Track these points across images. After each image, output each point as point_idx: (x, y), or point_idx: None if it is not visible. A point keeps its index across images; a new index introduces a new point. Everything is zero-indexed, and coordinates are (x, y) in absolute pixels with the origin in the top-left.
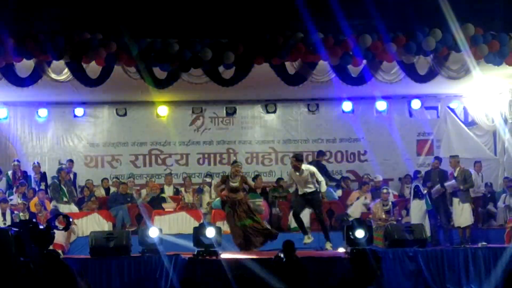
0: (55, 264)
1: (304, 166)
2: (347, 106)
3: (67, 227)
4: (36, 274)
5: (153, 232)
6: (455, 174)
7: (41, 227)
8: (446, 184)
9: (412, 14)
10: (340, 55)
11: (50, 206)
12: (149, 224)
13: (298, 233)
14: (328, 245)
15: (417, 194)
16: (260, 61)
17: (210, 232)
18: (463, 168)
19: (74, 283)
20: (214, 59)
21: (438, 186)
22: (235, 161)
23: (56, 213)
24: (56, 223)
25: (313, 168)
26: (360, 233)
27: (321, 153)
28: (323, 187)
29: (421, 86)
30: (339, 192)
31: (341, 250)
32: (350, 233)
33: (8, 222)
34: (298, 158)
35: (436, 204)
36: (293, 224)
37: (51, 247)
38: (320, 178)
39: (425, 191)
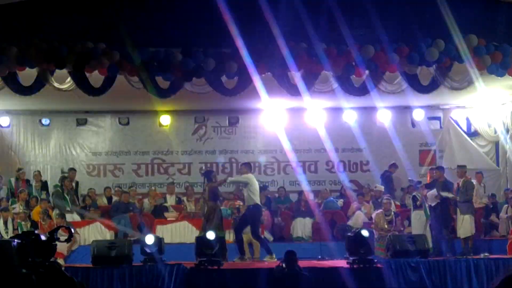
0: (57, 276)
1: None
2: (349, 116)
3: (69, 238)
4: (38, 286)
5: (149, 239)
6: (460, 185)
7: (43, 238)
8: (442, 193)
9: (415, 25)
10: (343, 65)
11: (53, 214)
12: (150, 232)
13: (301, 243)
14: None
15: (415, 204)
16: (262, 71)
17: (211, 235)
18: (468, 179)
19: None
20: (216, 69)
21: (433, 191)
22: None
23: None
24: (58, 235)
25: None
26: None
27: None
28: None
29: (424, 96)
30: (340, 202)
31: (343, 260)
32: (352, 243)
33: (10, 231)
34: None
35: (437, 215)
36: (295, 233)
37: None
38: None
39: (419, 203)
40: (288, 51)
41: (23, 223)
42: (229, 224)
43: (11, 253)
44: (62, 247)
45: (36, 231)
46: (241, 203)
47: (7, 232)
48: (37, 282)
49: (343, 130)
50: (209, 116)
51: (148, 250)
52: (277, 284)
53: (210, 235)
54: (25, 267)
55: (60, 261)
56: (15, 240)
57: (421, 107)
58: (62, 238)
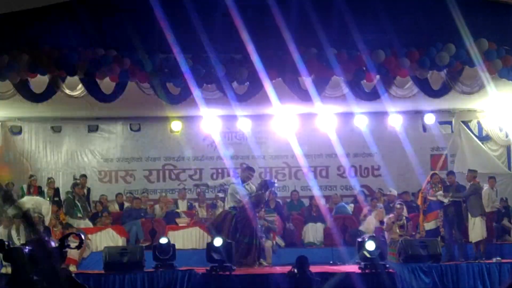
0: (68, 283)
1: None
2: (360, 121)
3: (79, 245)
4: None
5: (163, 240)
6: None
7: (53, 244)
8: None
9: (426, 29)
10: (353, 70)
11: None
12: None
13: (312, 248)
14: None
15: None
16: (273, 77)
17: (218, 242)
18: (476, 183)
19: None
20: (227, 75)
21: (440, 192)
22: None
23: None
24: (69, 241)
25: None
26: (371, 248)
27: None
28: None
29: (435, 101)
30: (351, 207)
31: (354, 265)
32: (363, 248)
33: (22, 238)
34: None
35: (450, 218)
36: (306, 239)
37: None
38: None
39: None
40: (299, 56)
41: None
42: None
43: (23, 259)
44: (74, 253)
45: (47, 238)
46: None
47: (19, 239)
48: None
49: (354, 135)
50: (220, 122)
51: (161, 254)
52: None
53: (217, 241)
54: (36, 273)
55: (72, 267)
56: (27, 247)
57: (432, 111)
58: (73, 245)
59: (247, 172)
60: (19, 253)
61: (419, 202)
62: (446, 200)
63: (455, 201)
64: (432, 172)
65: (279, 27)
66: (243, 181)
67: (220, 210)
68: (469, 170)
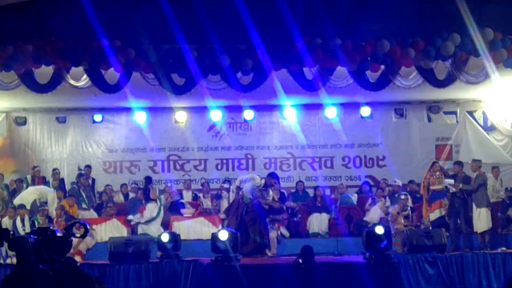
0: (73, 272)
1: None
2: (365, 111)
3: (84, 234)
4: (55, 281)
5: (164, 237)
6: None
7: (58, 234)
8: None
9: (430, 19)
10: (358, 60)
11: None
12: (166, 229)
13: (317, 238)
14: None
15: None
16: (278, 67)
17: (223, 235)
18: (482, 173)
19: None
20: (232, 65)
21: (449, 180)
22: None
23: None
24: (74, 231)
25: None
26: (380, 232)
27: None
28: None
29: (440, 91)
30: (355, 197)
31: (360, 256)
32: (369, 238)
33: (27, 228)
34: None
35: (456, 209)
36: (311, 229)
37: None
38: None
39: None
40: (304, 47)
41: (39, 217)
42: None
43: (28, 249)
44: (82, 246)
45: (51, 227)
46: None
47: (24, 230)
48: (54, 278)
49: (359, 126)
50: (225, 112)
51: (164, 246)
52: (294, 279)
53: (223, 235)
54: (42, 263)
55: (78, 257)
56: (32, 236)
57: (437, 101)
58: (78, 234)
59: (272, 180)
60: (24, 242)
61: (422, 191)
62: (454, 189)
63: (461, 192)
64: (433, 161)
65: (284, 18)
66: (267, 186)
67: (225, 200)
68: (474, 160)
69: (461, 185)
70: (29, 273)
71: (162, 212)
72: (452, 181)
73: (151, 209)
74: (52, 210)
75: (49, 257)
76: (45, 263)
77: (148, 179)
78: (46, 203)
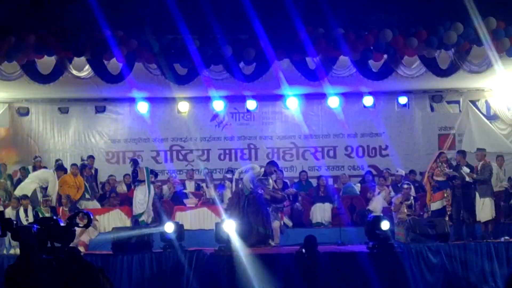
0: (77, 262)
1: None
2: (368, 101)
3: (88, 224)
4: (59, 271)
5: (169, 228)
6: (478, 168)
7: (62, 224)
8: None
9: (433, 8)
10: (361, 50)
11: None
12: (169, 219)
13: (320, 228)
14: None
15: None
16: (281, 57)
17: (229, 226)
18: (487, 162)
19: (97, 280)
20: (234, 55)
21: (465, 169)
22: None
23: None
24: (77, 220)
25: None
26: (386, 227)
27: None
28: None
29: (443, 80)
30: (357, 187)
31: (363, 245)
32: (372, 228)
33: (30, 219)
34: None
35: (459, 198)
36: (314, 219)
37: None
38: None
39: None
40: (306, 37)
41: (43, 208)
42: None
43: (31, 238)
44: (84, 237)
45: (55, 217)
46: None
47: (27, 220)
48: (57, 267)
49: (362, 115)
50: (227, 102)
51: (167, 237)
52: (297, 269)
53: (229, 226)
54: (45, 252)
55: (81, 248)
56: (35, 226)
57: (440, 90)
58: (81, 224)
59: (272, 168)
60: (27, 232)
61: (425, 181)
62: (469, 179)
63: (464, 181)
64: (439, 151)
65: (286, 7)
66: (267, 175)
67: (228, 190)
68: (478, 149)
69: (475, 175)
70: (33, 263)
71: (152, 191)
72: (468, 169)
73: (142, 191)
74: (54, 192)
75: (52, 247)
76: (49, 253)
77: (135, 161)
78: (46, 189)
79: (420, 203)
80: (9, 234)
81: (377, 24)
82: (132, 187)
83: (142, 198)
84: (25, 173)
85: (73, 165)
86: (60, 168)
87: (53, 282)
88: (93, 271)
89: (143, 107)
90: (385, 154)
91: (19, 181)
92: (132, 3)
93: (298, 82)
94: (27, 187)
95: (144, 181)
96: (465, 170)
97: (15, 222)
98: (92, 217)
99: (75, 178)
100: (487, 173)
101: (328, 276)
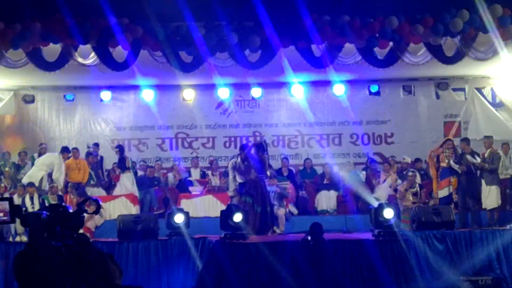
0: (86, 248)
1: None
2: (373, 88)
3: (97, 210)
4: (68, 258)
5: (179, 218)
6: (486, 155)
7: (70, 210)
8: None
9: None
10: (366, 37)
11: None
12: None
13: (325, 216)
14: None
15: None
16: (286, 44)
17: (237, 217)
18: (495, 149)
19: (106, 267)
20: (240, 43)
21: (477, 157)
22: None
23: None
24: (86, 207)
25: None
26: (388, 215)
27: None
28: None
29: (448, 67)
30: (363, 175)
31: (368, 233)
32: (377, 215)
33: (36, 207)
34: None
35: (464, 186)
36: (320, 207)
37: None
38: None
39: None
40: (312, 24)
41: (50, 196)
42: None
43: (41, 225)
44: (90, 224)
45: (63, 204)
46: None
47: (33, 208)
48: (66, 254)
49: (367, 103)
50: (233, 90)
51: (175, 225)
52: (302, 256)
53: (237, 217)
54: (54, 239)
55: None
56: (44, 212)
57: (446, 78)
58: (90, 210)
59: (241, 151)
60: (37, 218)
61: (428, 160)
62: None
63: (469, 169)
64: (446, 138)
65: None
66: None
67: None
68: (485, 137)
69: (486, 165)
70: (42, 249)
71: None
72: (471, 157)
73: (129, 179)
74: (60, 175)
75: (61, 234)
76: (58, 239)
77: (121, 148)
78: (51, 174)
79: (426, 190)
80: (17, 221)
81: (383, 11)
82: (117, 173)
83: (130, 186)
84: (26, 157)
85: (74, 148)
86: (65, 150)
87: (62, 269)
88: (103, 257)
89: (148, 94)
90: (391, 141)
91: (19, 166)
92: None
93: (303, 69)
94: (34, 175)
95: (129, 168)
96: (469, 158)
97: (24, 208)
98: (100, 203)
99: (76, 161)
100: (497, 161)
101: (334, 264)
